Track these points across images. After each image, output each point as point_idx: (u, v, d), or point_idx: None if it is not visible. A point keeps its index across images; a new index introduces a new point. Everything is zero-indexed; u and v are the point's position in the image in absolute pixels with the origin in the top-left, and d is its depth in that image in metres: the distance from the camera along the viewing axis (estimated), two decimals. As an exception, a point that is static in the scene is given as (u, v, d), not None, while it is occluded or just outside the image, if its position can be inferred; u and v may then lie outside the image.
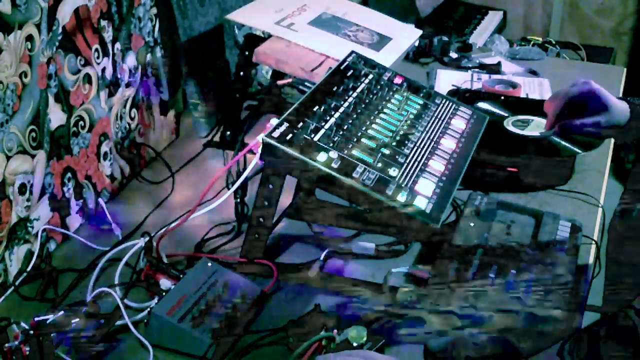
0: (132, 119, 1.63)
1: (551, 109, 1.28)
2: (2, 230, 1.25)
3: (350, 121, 1.30)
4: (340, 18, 1.83)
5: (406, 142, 1.32)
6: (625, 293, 1.57)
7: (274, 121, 1.22)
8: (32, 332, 1.07)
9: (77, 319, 1.13)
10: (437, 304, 1.15)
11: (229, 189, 1.35)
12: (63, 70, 1.36)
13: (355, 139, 1.26)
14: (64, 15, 1.35)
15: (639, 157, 2.71)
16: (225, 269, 1.25)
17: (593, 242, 1.40)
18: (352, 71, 1.45)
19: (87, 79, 1.44)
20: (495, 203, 1.39)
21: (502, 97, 1.85)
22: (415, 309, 1.16)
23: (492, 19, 3.07)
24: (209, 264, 1.24)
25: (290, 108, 1.26)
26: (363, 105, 1.36)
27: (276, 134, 1.19)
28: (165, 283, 1.23)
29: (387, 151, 1.27)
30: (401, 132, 1.34)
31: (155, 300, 1.19)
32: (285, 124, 1.22)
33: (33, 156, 1.30)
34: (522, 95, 1.99)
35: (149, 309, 1.15)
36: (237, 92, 1.76)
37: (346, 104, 1.34)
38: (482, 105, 1.76)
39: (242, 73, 1.72)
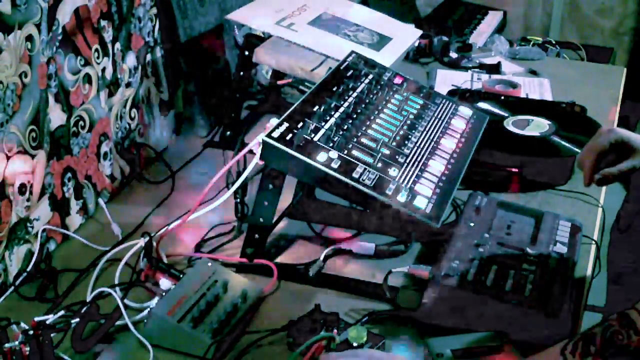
0: (132, 119, 1.63)
1: (586, 165, 1.28)
2: (2, 230, 1.25)
3: (350, 121, 1.30)
4: (340, 18, 1.83)
5: (406, 142, 1.32)
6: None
7: (274, 121, 1.22)
8: (32, 332, 1.06)
9: (77, 319, 1.13)
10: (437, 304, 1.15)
11: (229, 189, 1.35)
12: (63, 70, 1.36)
13: (355, 139, 1.26)
14: (64, 15, 1.35)
15: None
16: (225, 269, 1.25)
17: (593, 242, 1.40)
18: (352, 71, 1.45)
19: (87, 79, 1.44)
20: (495, 203, 1.39)
21: (502, 97, 1.85)
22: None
23: (492, 19, 3.07)
24: (209, 264, 1.24)
25: (290, 108, 1.26)
26: (363, 105, 1.36)
27: (276, 134, 1.19)
28: (165, 283, 1.23)
29: (387, 151, 1.26)
30: (401, 132, 1.34)
31: (155, 300, 1.19)
32: (285, 124, 1.22)
33: (33, 156, 1.30)
34: (522, 95, 1.99)
35: (149, 309, 1.15)
36: (237, 92, 1.76)
37: (346, 104, 1.34)
38: (482, 105, 1.76)
39: (242, 73, 1.72)
